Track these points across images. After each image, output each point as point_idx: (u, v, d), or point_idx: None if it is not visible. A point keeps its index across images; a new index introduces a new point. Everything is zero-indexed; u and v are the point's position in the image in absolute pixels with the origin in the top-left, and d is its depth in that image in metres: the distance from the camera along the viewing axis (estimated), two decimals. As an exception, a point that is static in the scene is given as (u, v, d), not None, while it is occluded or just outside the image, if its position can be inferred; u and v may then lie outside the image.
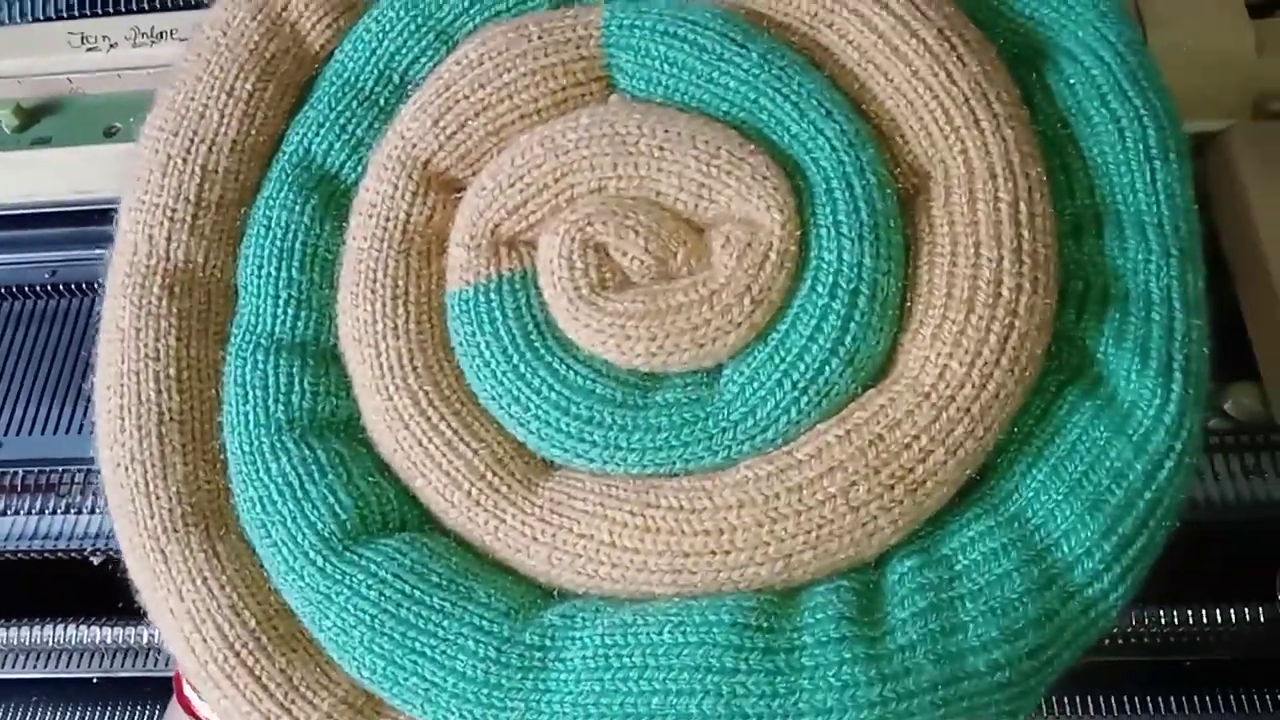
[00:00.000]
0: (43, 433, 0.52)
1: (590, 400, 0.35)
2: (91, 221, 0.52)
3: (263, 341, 0.38)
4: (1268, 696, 0.45)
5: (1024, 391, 0.34)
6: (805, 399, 0.34)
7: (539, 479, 0.35)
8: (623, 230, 0.35)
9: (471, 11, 0.40)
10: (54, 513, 0.49)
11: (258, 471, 0.36)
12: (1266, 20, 0.49)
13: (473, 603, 0.33)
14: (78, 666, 0.50)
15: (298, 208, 0.39)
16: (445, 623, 0.33)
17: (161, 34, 0.53)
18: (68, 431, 0.51)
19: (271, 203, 0.39)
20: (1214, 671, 0.46)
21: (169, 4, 0.56)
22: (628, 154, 0.35)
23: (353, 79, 0.41)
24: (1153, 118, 0.36)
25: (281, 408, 0.37)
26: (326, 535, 0.35)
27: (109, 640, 0.50)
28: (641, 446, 0.34)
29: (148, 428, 0.37)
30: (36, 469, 0.50)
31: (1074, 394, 0.34)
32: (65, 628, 0.50)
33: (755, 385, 0.34)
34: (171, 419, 0.37)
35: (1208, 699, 0.46)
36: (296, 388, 0.37)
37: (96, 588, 0.47)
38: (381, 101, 0.40)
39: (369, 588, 0.34)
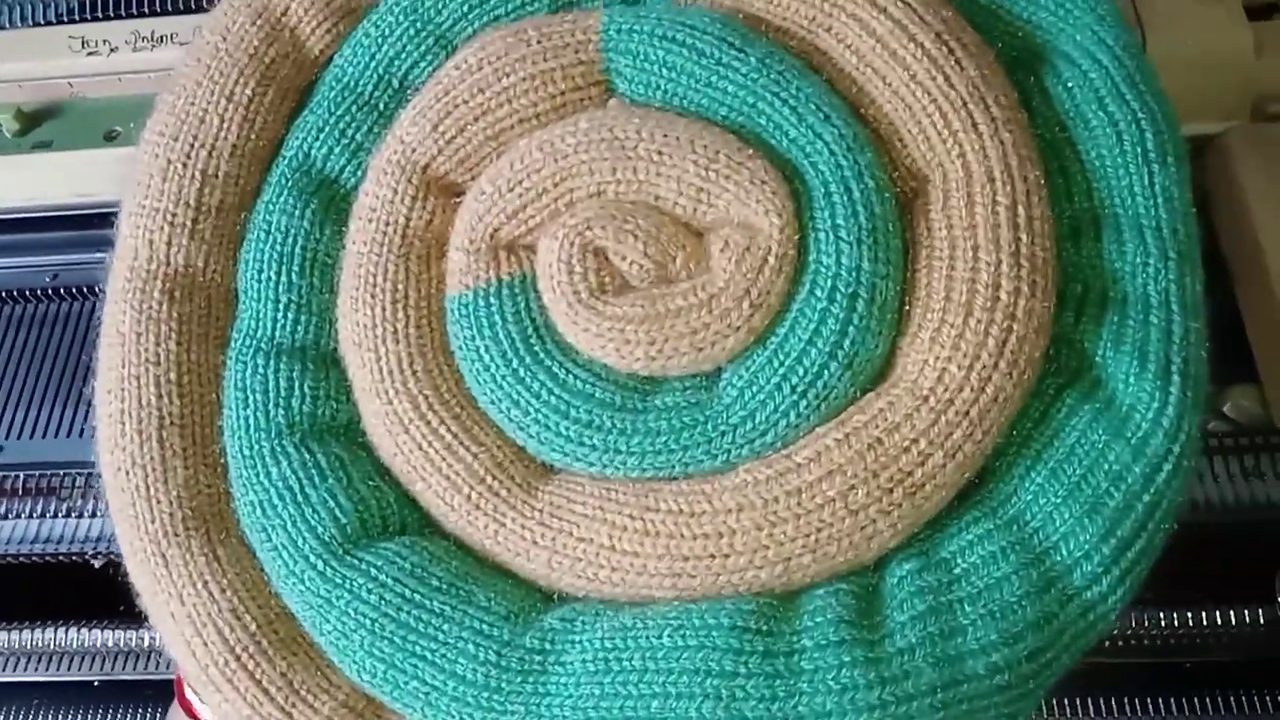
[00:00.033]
0: (44, 436, 0.52)
1: (590, 404, 0.35)
2: (92, 225, 0.52)
3: (263, 346, 0.38)
4: (1268, 698, 0.45)
5: (1022, 394, 0.34)
6: (804, 402, 0.34)
7: (539, 483, 0.35)
8: (622, 234, 0.35)
9: (470, 16, 0.40)
10: (55, 516, 0.49)
11: (258, 476, 0.36)
12: (1265, 23, 0.49)
13: (473, 606, 0.33)
14: (79, 670, 0.50)
15: (297, 212, 0.39)
16: (445, 626, 0.33)
17: (162, 38, 0.53)
18: (69, 435, 0.51)
19: (271, 207, 0.39)
20: (1214, 673, 0.46)
21: (169, 8, 0.56)
22: (626, 158, 0.36)
23: (352, 84, 0.41)
24: (1150, 121, 0.36)
25: (282, 412, 0.37)
26: (327, 539, 0.35)
27: (110, 643, 0.50)
28: (641, 450, 0.34)
29: (148, 432, 0.37)
30: (37, 472, 0.50)
31: (1072, 397, 0.34)
32: (66, 631, 0.50)
33: (754, 389, 0.34)
34: (172, 423, 0.37)
35: (1208, 700, 0.46)
36: (296, 392, 0.37)
37: (97, 591, 0.47)
38: (381, 106, 0.41)
39: (369, 591, 0.34)
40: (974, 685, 0.31)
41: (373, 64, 0.41)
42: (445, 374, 0.36)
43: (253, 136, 0.40)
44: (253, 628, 0.35)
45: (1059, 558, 0.32)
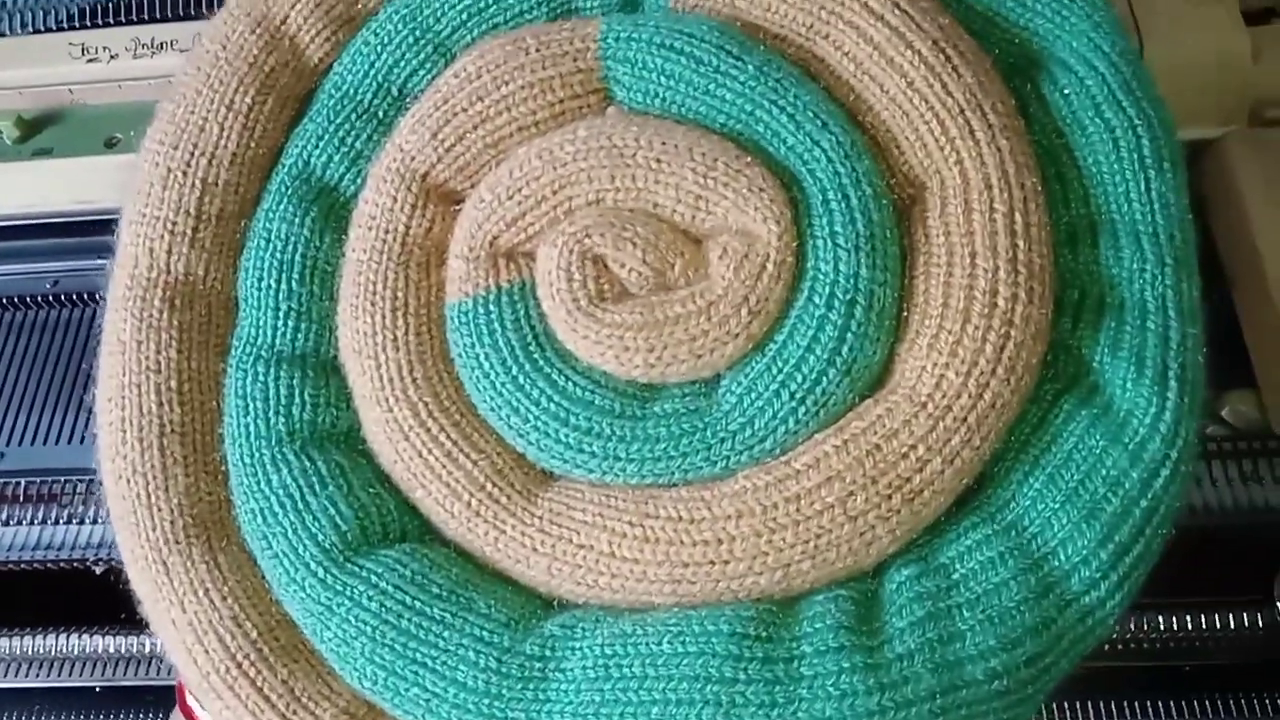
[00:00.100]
0: (45, 443, 0.52)
1: (589, 411, 0.35)
2: (93, 232, 0.52)
3: (263, 353, 0.38)
4: (1267, 701, 0.45)
5: (1020, 400, 0.34)
6: (803, 409, 0.34)
7: (538, 490, 0.35)
8: (620, 242, 0.35)
9: (469, 25, 0.40)
10: (56, 523, 0.49)
11: (259, 483, 0.36)
12: (1262, 28, 0.50)
13: (473, 613, 0.34)
14: (80, 675, 0.50)
15: (297, 220, 0.39)
16: (446, 633, 0.33)
17: (162, 45, 0.53)
18: (70, 441, 0.51)
19: (271, 215, 0.39)
20: (1213, 676, 0.46)
21: (169, 15, 0.56)
22: (625, 166, 0.36)
23: (351, 92, 0.41)
24: (1147, 127, 0.36)
25: (282, 419, 0.37)
26: (327, 546, 0.35)
27: (111, 649, 0.50)
28: (640, 457, 0.34)
29: (149, 440, 0.37)
30: (39, 479, 0.50)
31: (1070, 402, 0.34)
32: (68, 637, 0.50)
33: (753, 395, 0.34)
34: (173, 431, 0.37)
35: (1207, 703, 0.46)
36: (297, 399, 0.37)
37: (99, 597, 0.47)
38: (380, 114, 0.41)
39: (370, 599, 0.34)
40: (973, 691, 0.31)
41: (372, 72, 0.41)
42: (445, 381, 0.36)
43: (252, 144, 0.40)
44: (254, 635, 0.35)
45: (1057, 563, 0.32)
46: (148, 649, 0.50)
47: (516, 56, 0.38)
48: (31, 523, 0.50)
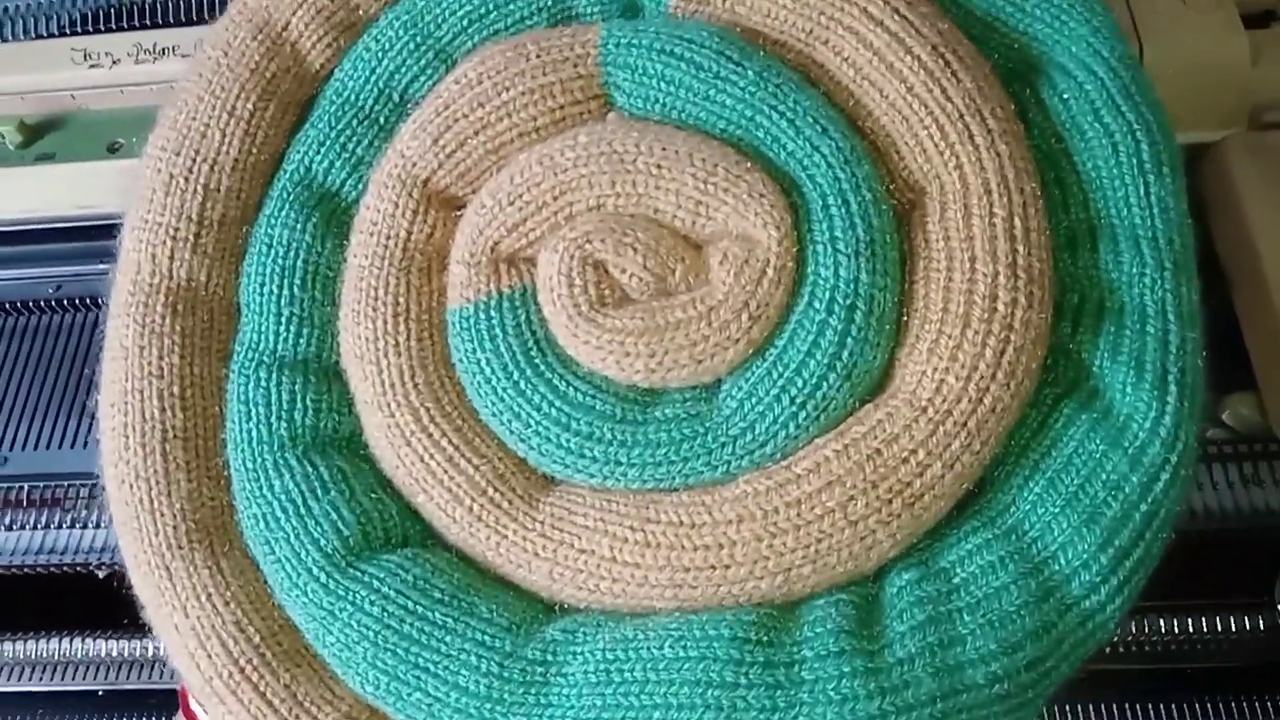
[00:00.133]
0: (48, 447, 0.52)
1: (590, 416, 0.35)
2: (95, 237, 0.52)
3: (265, 359, 0.38)
4: (1268, 703, 0.45)
5: (1020, 405, 0.34)
6: (803, 414, 0.34)
7: (540, 494, 0.35)
8: (621, 247, 0.35)
9: (470, 30, 0.40)
10: (59, 527, 0.49)
11: (261, 488, 0.36)
12: (1262, 31, 0.50)
13: (475, 618, 0.34)
14: (83, 679, 0.50)
15: (299, 226, 0.39)
16: (448, 638, 0.33)
17: (164, 50, 0.53)
18: (73, 446, 0.51)
19: (273, 221, 0.40)
20: (1214, 678, 0.46)
21: (171, 20, 0.56)
22: (625, 172, 0.36)
23: (353, 98, 0.41)
24: (1146, 132, 0.36)
25: (284, 425, 0.37)
26: (329, 551, 0.35)
27: (114, 653, 0.50)
28: (641, 462, 0.34)
29: (152, 445, 0.37)
30: (42, 483, 0.50)
31: (1070, 407, 0.34)
32: (71, 641, 0.50)
33: (754, 400, 0.34)
34: (175, 436, 0.37)
35: (1208, 706, 0.46)
36: (299, 405, 0.37)
37: (102, 601, 0.47)
38: (381, 120, 0.41)
39: (372, 603, 0.34)
40: (973, 695, 0.31)
41: (373, 78, 0.41)
42: (446, 386, 0.37)
43: (254, 151, 0.40)
44: (256, 640, 0.35)
45: (1057, 567, 0.32)
46: (150, 653, 0.50)
47: (517, 62, 0.38)
48: (35, 527, 0.50)
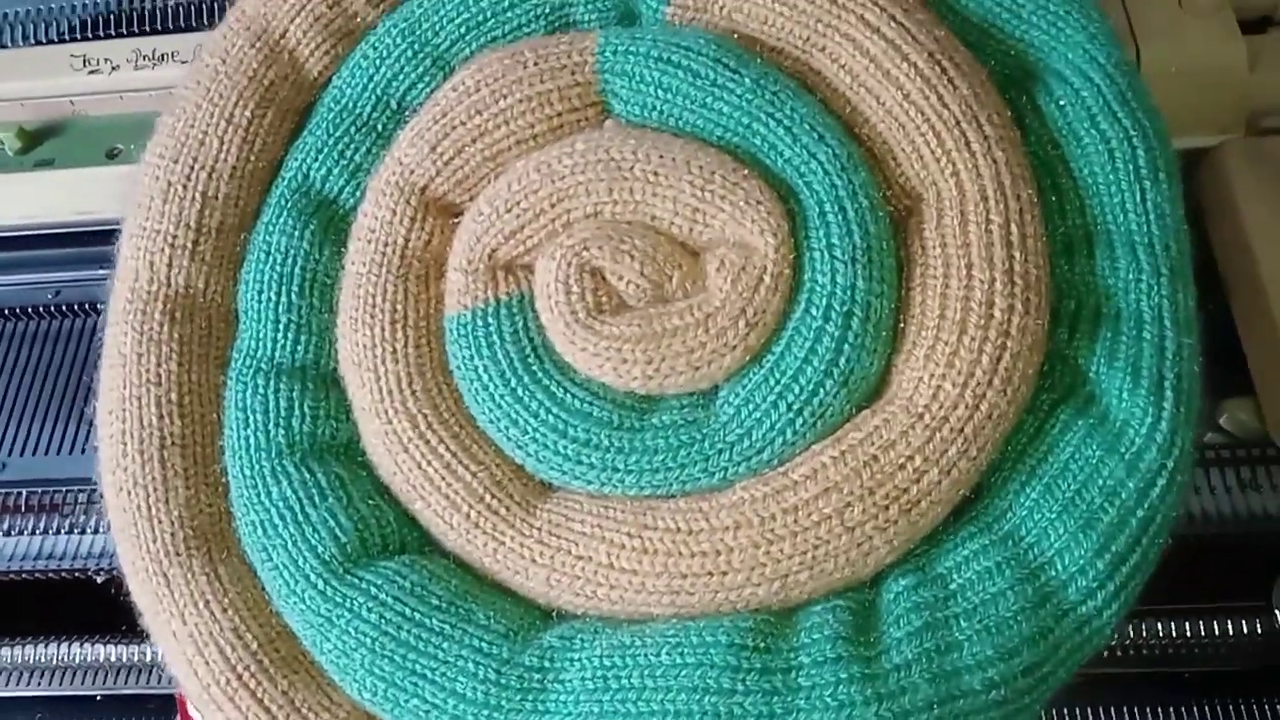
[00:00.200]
0: (46, 453, 0.52)
1: (587, 423, 0.35)
2: (94, 242, 0.51)
3: (263, 366, 0.38)
4: (1266, 706, 0.46)
5: (1017, 411, 0.34)
6: (800, 420, 0.34)
7: (537, 501, 0.35)
8: (618, 254, 0.35)
9: (468, 38, 0.40)
10: (58, 532, 0.49)
11: (259, 495, 0.36)
12: (1259, 36, 0.49)
13: (472, 625, 0.34)
14: (82, 684, 0.50)
15: (297, 233, 0.39)
16: (445, 645, 0.33)
17: (163, 56, 0.53)
18: (71, 452, 0.51)
19: (271, 228, 0.40)
20: (1212, 682, 0.46)
21: (170, 26, 0.56)
22: (623, 179, 0.36)
23: (350, 105, 0.41)
24: (1142, 138, 0.36)
25: (282, 432, 0.37)
26: (327, 558, 0.35)
27: (113, 658, 0.50)
28: (639, 468, 0.34)
29: (149, 452, 0.37)
30: (40, 489, 0.50)
31: (1066, 413, 0.34)
32: (69, 646, 0.50)
33: (751, 407, 0.34)
34: (173, 443, 0.37)
35: (1206, 709, 0.46)
36: (296, 412, 0.37)
37: (100, 606, 0.47)
38: (379, 127, 0.41)
39: (369, 610, 0.34)
40: (970, 700, 0.31)
41: (371, 85, 0.41)
42: (444, 393, 0.37)
43: (252, 158, 0.40)
44: (254, 646, 0.35)
45: (1054, 573, 0.32)
46: (149, 658, 0.50)
47: (515, 70, 0.38)
48: (33, 533, 0.50)
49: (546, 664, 0.33)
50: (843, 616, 0.32)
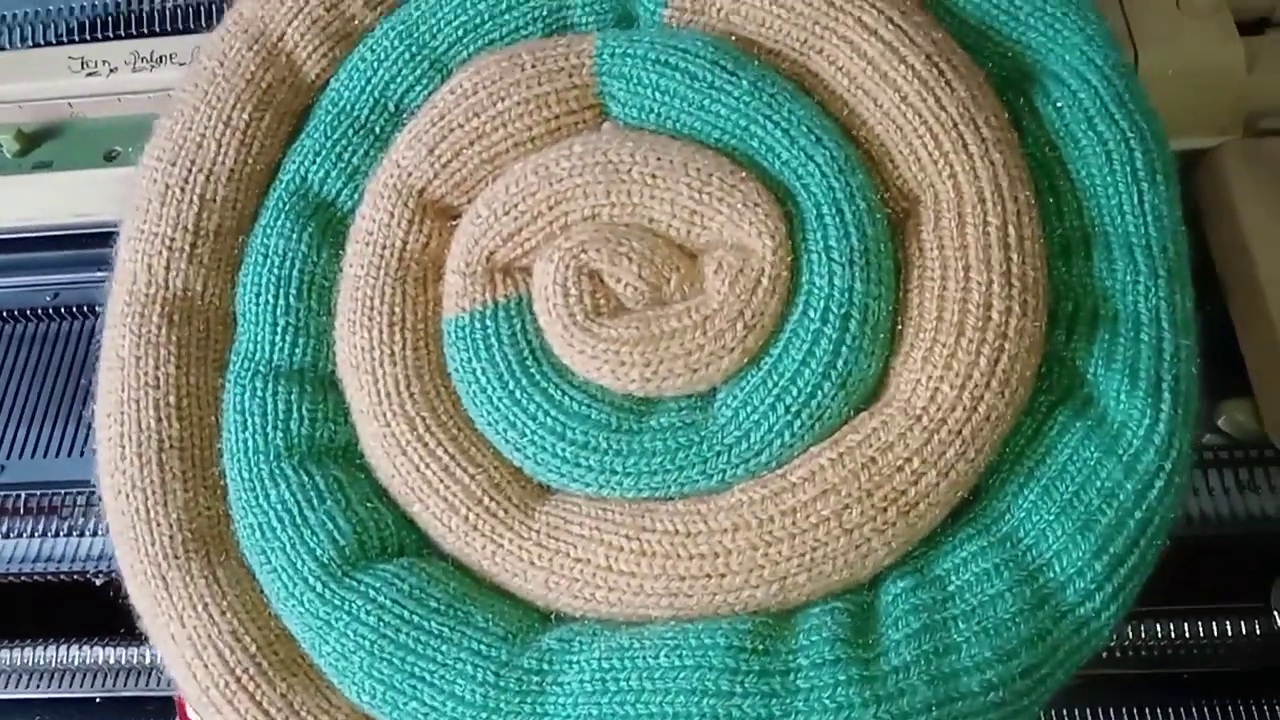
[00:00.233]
0: (45, 455, 0.52)
1: (585, 425, 0.35)
2: (93, 245, 0.51)
3: (261, 369, 0.38)
4: (1265, 706, 0.46)
5: (1015, 413, 0.34)
6: (798, 422, 0.34)
7: (535, 503, 0.35)
8: (616, 257, 0.35)
9: (465, 41, 0.40)
10: (56, 535, 0.49)
11: (257, 498, 0.36)
12: (1257, 38, 0.50)
13: (471, 627, 0.34)
14: (81, 686, 0.50)
15: (295, 236, 0.39)
16: (444, 647, 0.33)
17: (161, 58, 0.53)
18: (70, 454, 0.51)
19: (269, 231, 0.40)
20: (1211, 683, 0.46)
21: (168, 28, 0.56)
22: (620, 181, 0.36)
23: (348, 107, 0.41)
24: (1139, 140, 0.36)
25: (280, 434, 0.37)
26: (325, 561, 0.35)
27: (112, 660, 0.50)
28: (637, 470, 0.34)
29: (148, 455, 0.37)
30: (39, 491, 0.50)
31: (1064, 414, 0.35)
32: (68, 648, 0.50)
33: (749, 409, 0.34)
34: (171, 446, 0.37)
35: (1205, 710, 0.46)
36: (295, 414, 0.37)
37: (99, 608, 0.47)
38: (377, 130, 0.41)
39: (368, 613, 0.34)
40: (968, 702, 0.31)
41: (368, 88, 0.41)
42: (442, 396, 0.37)
43: (250, 161, 0.40)
44: (252, 649, 0.35)
45: (1052, 575, 0.33)
46: (148, 660, 0.50)
47: (512, 72, 0.38)
48: (32, 535, 0.50)
49: (545, 666, 0.33)
50: (841, 618, 0.32)
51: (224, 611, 0.36)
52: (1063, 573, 0.32)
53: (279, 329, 0.39)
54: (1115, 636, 0.38)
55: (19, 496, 0.50)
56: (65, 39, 0.57)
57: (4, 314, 0.55)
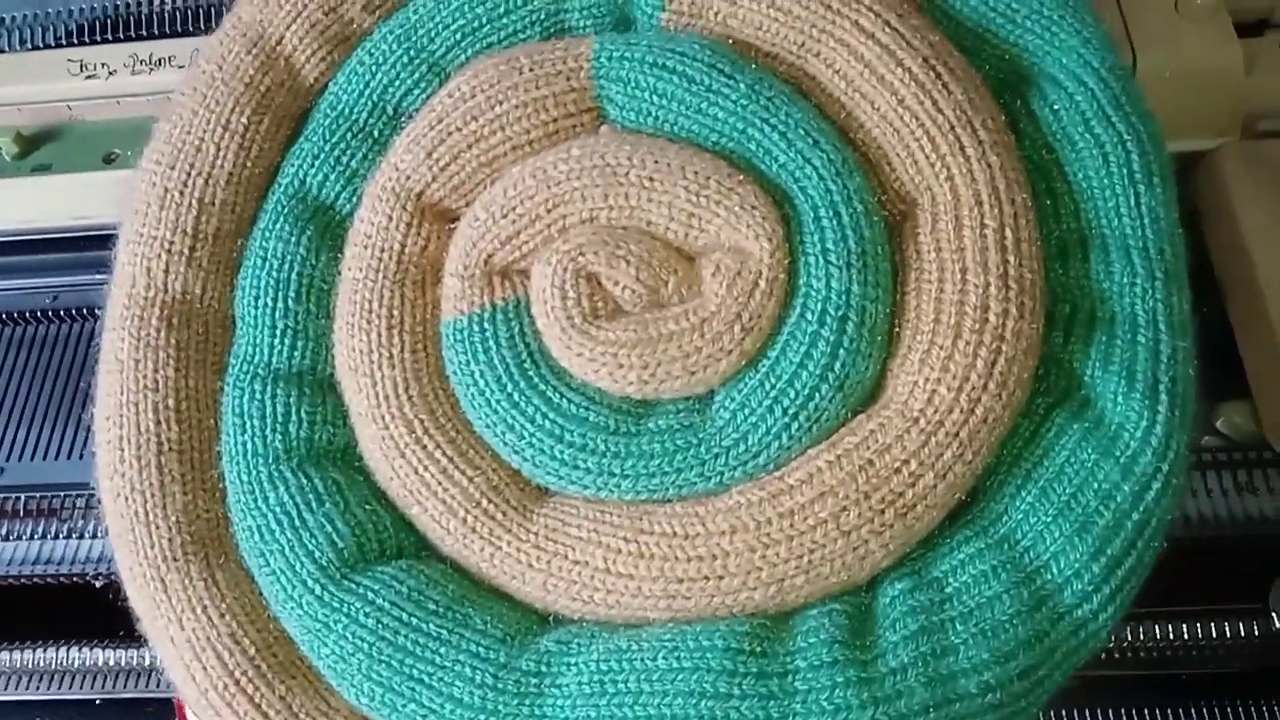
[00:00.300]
0: (44, 458, 0.52)
1: (584, 428, 0.35)
2: (92, 247, 0.52)
3: (260, 372, 0.38)
4: (1264, 708, 0.46)
5: (1012, 415, 0.34)
6: (796, 424, 0.34)
7: (534, 506, 0.35)
8: (614, 260, 0.35)
9: (463, 44, 0.40)
10: (56, 537, 0.49)
11: (256, 501, 0.36)
12: (1255, 40, 0.50)
13: (469, 629, 0.34)
14: (80, 688, 0.51)
15: (293, 239, 0.39)
16: (442, 649, 0.33)
17: (160, 61, 0.53)
18: (69, 456, 0.51)
19: (267, 234, 0.40)
20: (1209, 684, 0.46)
21: (166, 31, 0.56)
22: (618, 184, 0.36)
23: (347, 111, 0.41)
24: (1136, 142, 0.36)
25: (279, 437, 0.37)
26: (324, 564, 0.35)
27: (111, 662, 0.50)
28: (635, 473, 0.34)
29: (147, 458, 0.37)
30: (39, 494, 0.50)
31: (1062, 416, 0.35)
32: (68, 650, 0.50)
33: (746, 411, 0.34)
34: (170, 449, 0.37)
35: (1204, 710, 0.46)
36: (293, 417, 0.37)
37: (99, 611, 0.47)
38: (375, 133, 0.41)
39: (367, 615, 0.34)
40: (966, 704, 0.31)
41: (367, 91, 0.41)
42: (440, 398, 0.37)
43: (249, 164, 0.40)
44: (251, 652, 0.35)
45: (1049, 576, 0.33)
46: (147, 662, 0.50)
47: (510, 76, 0.38)
48: (32, 537, 0.50)
49: (543, 668, 0.33)
50: (839, 620, 0.32)
51: (223, 614, 0.36)
52: (1060, 574, 0.32)
53: (278, 332, 0.39)
54: (1113, 638, 0.38)
55: (18, 499, 0.50)
56: (64, 41, 0.57)
57: (3, 316, 0.55)
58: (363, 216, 0.39)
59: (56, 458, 0.52)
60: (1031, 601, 0.32)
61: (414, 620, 0.34)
